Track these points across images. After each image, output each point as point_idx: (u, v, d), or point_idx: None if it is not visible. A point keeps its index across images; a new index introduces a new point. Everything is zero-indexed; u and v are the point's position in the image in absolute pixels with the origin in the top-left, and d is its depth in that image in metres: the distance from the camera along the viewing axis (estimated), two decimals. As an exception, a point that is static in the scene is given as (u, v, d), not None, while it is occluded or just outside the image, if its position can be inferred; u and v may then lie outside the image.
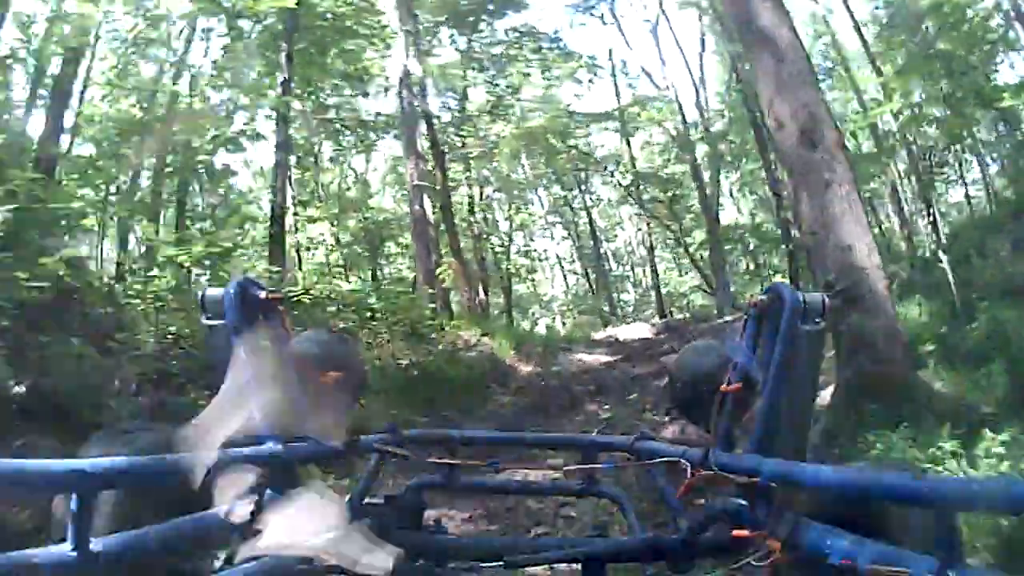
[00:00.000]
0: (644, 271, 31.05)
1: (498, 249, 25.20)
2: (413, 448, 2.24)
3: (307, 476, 2.00)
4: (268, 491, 1.76)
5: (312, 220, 21.52)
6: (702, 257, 25.15)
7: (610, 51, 28.76)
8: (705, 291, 28.05)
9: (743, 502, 1.68)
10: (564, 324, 29.60)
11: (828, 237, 7.30)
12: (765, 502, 1.61)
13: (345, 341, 2.23)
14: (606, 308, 27.55)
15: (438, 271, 15.61)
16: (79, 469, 1.28)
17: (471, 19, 19.42)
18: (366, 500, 2.05)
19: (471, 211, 21.21)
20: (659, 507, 2.18)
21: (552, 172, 26.98)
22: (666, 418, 9.15)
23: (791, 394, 1.79)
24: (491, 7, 19.68)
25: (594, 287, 29.50)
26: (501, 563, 1.73)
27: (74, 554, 1.18)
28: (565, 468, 2.37)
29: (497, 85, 20.81)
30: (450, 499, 5.58)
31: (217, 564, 1.63)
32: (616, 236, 33.52)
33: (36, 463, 1.20)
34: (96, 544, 1.21)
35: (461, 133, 20.06)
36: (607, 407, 10.20)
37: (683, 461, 1.88)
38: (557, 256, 31.89)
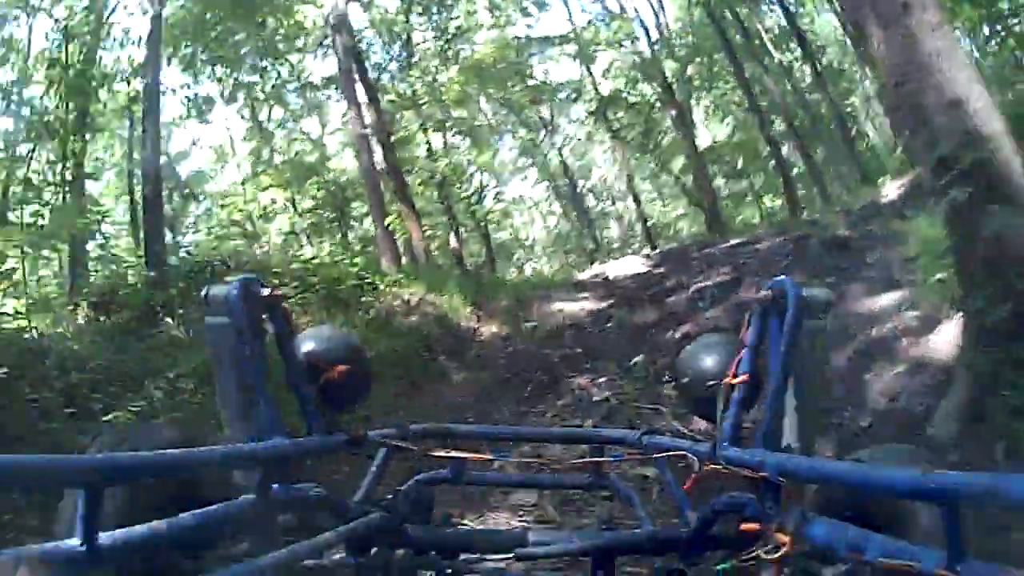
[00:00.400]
0: (626, 205, 28.72)
1: (471, 196, 24.07)
2: (421, 443, 2.26)
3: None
4: (274, 487, 1.76)
5: (263, 188, 20.54)
6: (684, 184, 23.67)
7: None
8: (698, 215, 25.38)
9: (751, 496, 1.71)
10: (551, 267, 28.33)
11: (925, 87, 4.59)
12: (772, 496, 1.64)
13: (350, 336, 2.20)
14: (591, 246, 25.84)
15: (387, 221, 14.84)
16: (87, 464, 1.26)
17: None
18: (374, 495, 2.07)
19: (431, 157, 19.10)
20: (667, 501, 2.23)
21: (513, 113, 25.22)
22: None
23: (797, 388, 1.82)
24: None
25: (576, 226, 27.74)
26: (511, 555, 1.77)
27: (83, 549, 1.17)
28: (572, 462, 2.41)
29: (444, 29, 19.24)
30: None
31: (223, 559, 1.63)
32: (591, 172, 31.46)
33: (45, 458, 1.18)
34: (104, 539, 1.21)
35: (410, 79, 18.56)
36: (601, 380, 7.10)
37: (690, 455, 1.93)
38: (532, 200, 30.20)
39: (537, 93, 22.29)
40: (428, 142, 19.67)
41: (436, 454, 2.25)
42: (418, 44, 19.62)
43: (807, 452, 1.81)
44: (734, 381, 1.87)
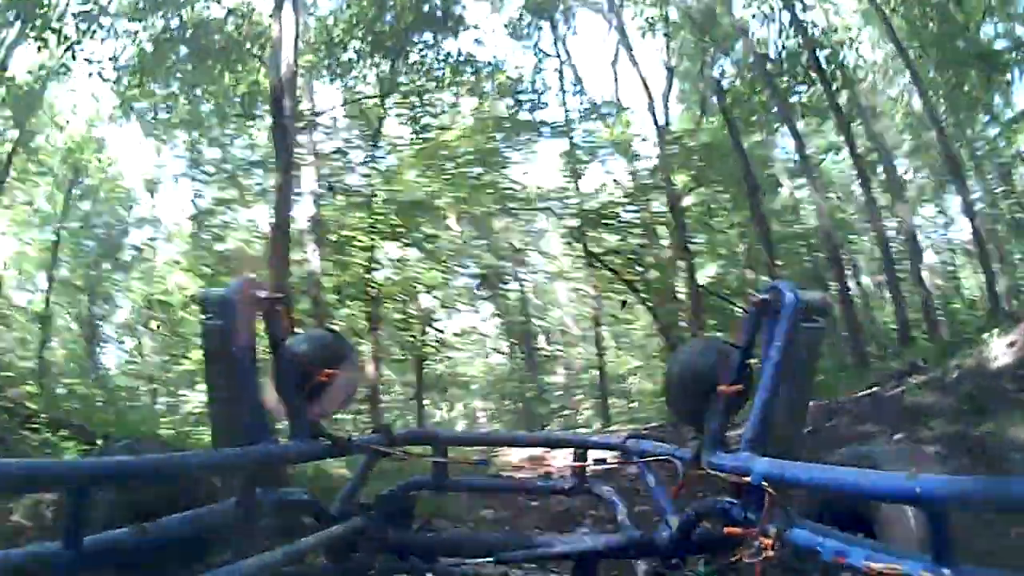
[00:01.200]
0: (577, 351, 26.48)
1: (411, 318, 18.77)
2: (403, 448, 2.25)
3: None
4: (259, 490, 1.76)
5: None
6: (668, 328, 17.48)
7: (560, 74, 18.54)
8: (656, 370, 20.67)
9: (734, 500, 1.69)
10: (486, 413, 26.23)
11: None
12: (756, 500, 1.61)
13: (342, 339, 2.21)
14: (530, 394, 22.40)
15: None
16: (71, 467, 1.28)
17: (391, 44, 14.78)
18: (357, 499, 2.07)
19: (367, 269, 15.38)
20: (650, 505, 2.20)
21: (481, 236, 20.94)
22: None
23: (786, 393, 1.79)
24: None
25: (521, 370, 24.40)
26: (492, 559, 1.75)
27: (67, 551, 1.18)
28: (556, 467, 2.39)
29: (420, 120, 15.95)
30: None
31: (207, 562, 1.64)
32: (549, 314, 28.36)
33: (29, 461, 1.19)
34: (89, 541, 1.22)
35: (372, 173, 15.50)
36: None
37: (674, 460, 1.90)
38: (481, 333, 26.18)
39: (505, 200, 17.58)
40: (371, 248, 15.80)
41: (420, 458, 2.25)
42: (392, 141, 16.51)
43: (794, 456, 1.78)
44: (728, 390, 1.84)
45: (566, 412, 24.08)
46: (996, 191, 18.88)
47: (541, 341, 26.61)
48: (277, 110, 10.16)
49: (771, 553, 1.47)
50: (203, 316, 1.90)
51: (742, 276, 18.81)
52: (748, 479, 1.62)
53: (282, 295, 2.05)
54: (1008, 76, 14.07)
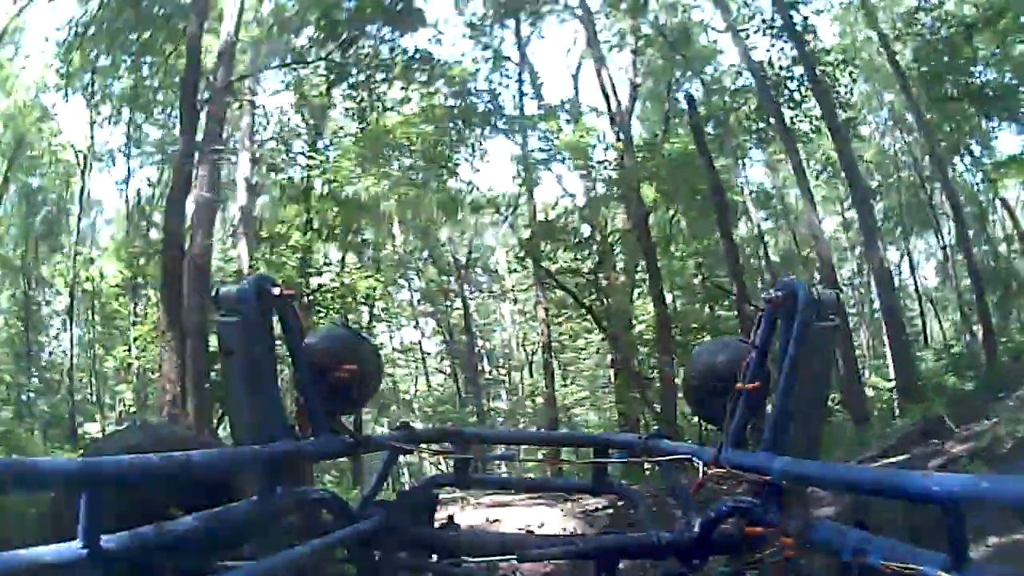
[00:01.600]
0: (521, 376, 24.62)
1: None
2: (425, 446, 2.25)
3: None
4: (279, 488, 1.75)
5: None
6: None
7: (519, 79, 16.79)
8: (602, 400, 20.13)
9: (755, 499, 1.72)
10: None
11: None
12: (776, 499, 1.65)
13: (360, 336, 2.20)
14: (473, 417, 20.81)
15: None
16: (90, 466, 1.26)
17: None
18: (379, 496, 2.06)
19: (303, 273, 13.82)
20: (671, 504, 2.22)
21: (426, 247, 19.90)
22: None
23: (804, 392, 1.82)
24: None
25: (462, 391, 23.32)
26: (515, 557, 1.76)
27: (84, 552, 1.17)
28: (577, 463, 2.41)
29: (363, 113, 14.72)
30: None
31: (224, 561, 1.62)
32: (494, 335, 27.39)
33: (48, 460, 1.17)
34: (107, 541, 1.21)
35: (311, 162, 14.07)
36: None
37: (695, 459, 1.94)
38: (422, 351, 24.97)
39: (453, 203, 16.08)
40: (305, 248, 14.21)
41: (443, 455, 2.25)
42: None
43: (813, 455, 1.82)
44: (747, 387, 1.87)
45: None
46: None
47: (485, 364, 25.20)
48: (189, 68, 9.17)
49: (792, 553, 1.51)
50: (218, 313, 1.90)
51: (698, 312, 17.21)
52: (768, 478, 1.65)
53: (295, 292, 2.04)
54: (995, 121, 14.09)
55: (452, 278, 21.91)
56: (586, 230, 16.04)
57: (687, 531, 1.82)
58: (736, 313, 14.33)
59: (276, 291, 1.92)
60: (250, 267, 12.43)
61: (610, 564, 1.79)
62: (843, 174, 13.59)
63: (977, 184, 17.85)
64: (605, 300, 15.43)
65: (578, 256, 15.74)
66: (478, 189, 16.19)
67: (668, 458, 2.09)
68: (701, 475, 1.85)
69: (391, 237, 18.39)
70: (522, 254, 16.49)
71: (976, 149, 17.19)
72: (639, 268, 16.04)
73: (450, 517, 2.08)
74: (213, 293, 1.94)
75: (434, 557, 1.88)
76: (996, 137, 16.71)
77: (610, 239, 15.89)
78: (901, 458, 6.55)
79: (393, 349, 22.12)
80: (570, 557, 1.82)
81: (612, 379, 16.88)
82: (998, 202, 18.38)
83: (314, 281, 13.79)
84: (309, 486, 1.91)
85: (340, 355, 2.04)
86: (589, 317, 15.69)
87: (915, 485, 1.23)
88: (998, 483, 1.15)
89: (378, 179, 14.67)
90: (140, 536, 1.30)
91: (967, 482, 1.17)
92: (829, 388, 2.01)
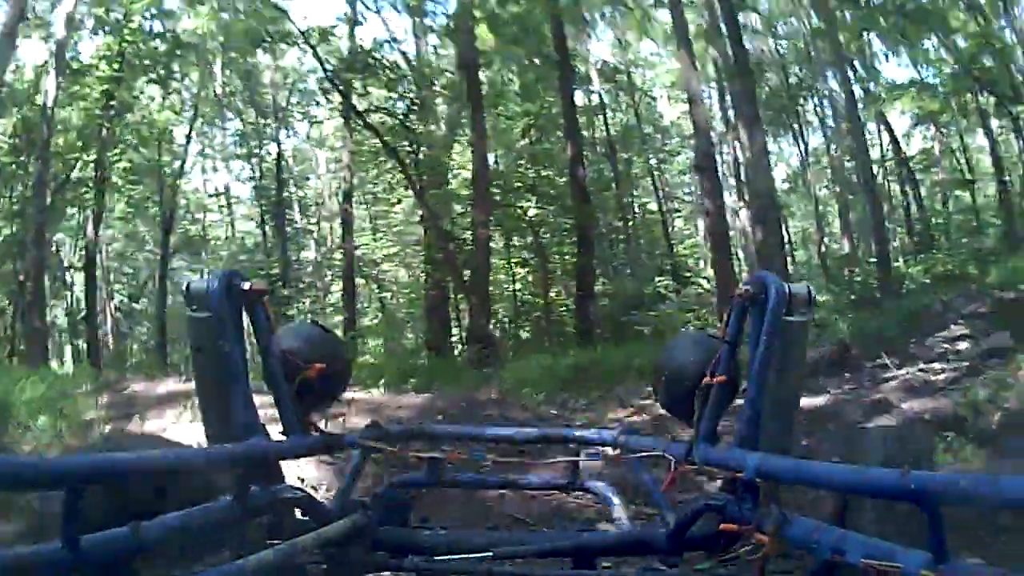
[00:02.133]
0: (332, 227, 24.00)
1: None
2: (397, 444, 2.24)
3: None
4: (252, 487, 1.74)
5: None
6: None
7: None
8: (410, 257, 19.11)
9: (729, 496, 1.71)
10: None
11: None
12: (751, 496, 1.63)
13: (329, 333, 2.18)
14: (277, 269, 19.86)
15: None
16: (66, 465, 1.25)
17: None
18: (352, 497, 2.05)
19: (105, 105, 13.16)
20: (646, 501, 2.22)
21: (247, 89, 19.09)
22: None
23: (777, 385, 1.80)
24: None
25: (269, 240, 22.00)
26: (490, 554, 1.75)
27: (64, 552, 1.15)
28: (551, 462, 2.40)
29: None
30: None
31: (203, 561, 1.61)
32: (307, 182, 26.04)
33: (28, 458, 1.15)
34: (85, 541, 1.18)
35: None
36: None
37: (667, 455, 1.93)
38: (228, 196, 24.13)
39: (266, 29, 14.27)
40: (108, 77, 13.37)
41: (414, 455, 2.23)
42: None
43: (786, 451, 1.81)
44: (713, 381, 1.85)
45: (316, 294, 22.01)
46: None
47: (296, 213, 24.31)
48: None
49: (768, 550, 1.49)
50: (188, 308, 1.87)
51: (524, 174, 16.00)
52: (742, 475, 1.64)
53: (266, 288, 2.01)
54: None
55: (271, 121, 21.29)
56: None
57: (662, 528, 1.81)
58: (570, 176, 14.00)
59: (246, 286, 1.89)
60: (54, 100, 12.07)
61: (587, 562, 1.78)
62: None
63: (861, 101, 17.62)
64: (419, 150, 14.47)
65: (391, 95, 14.57)
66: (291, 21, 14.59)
67: (640, 455, 2.08)
68: (673, 471, 1.85)
69: (211, 78, 18.07)
70: (329, 88, 15.19)
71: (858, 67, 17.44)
72: (464, 118, 14.98)
73: (425, 517, 2.07)
74: (184, 287, 1.91)
75: (410, 557, 1.85)
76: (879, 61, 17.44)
77: (432, 79, 14.95)
78: (823, 399, 6.03)
79: (207, 195, 22.07)
80: (545, 555, 1.80)
81: (423, 237, 16.06)
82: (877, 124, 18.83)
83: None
84: (282, 485, 1.87)
85: (309, 353, 2.01)
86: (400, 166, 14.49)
87: (891, 482, 1.22)
88: (978, 481, 1.14)
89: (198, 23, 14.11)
90: (118, 536, 1.28)
91: (947, 480, 1.17)
92: (801, 384, 1.98)
